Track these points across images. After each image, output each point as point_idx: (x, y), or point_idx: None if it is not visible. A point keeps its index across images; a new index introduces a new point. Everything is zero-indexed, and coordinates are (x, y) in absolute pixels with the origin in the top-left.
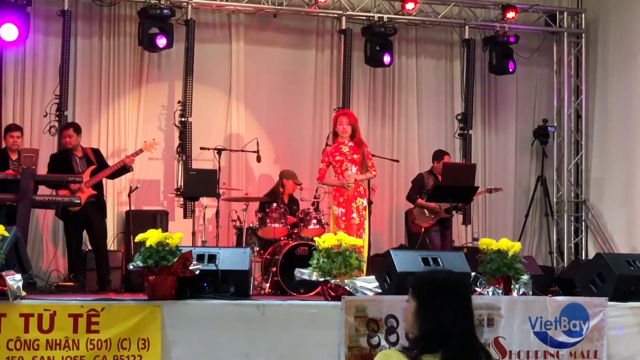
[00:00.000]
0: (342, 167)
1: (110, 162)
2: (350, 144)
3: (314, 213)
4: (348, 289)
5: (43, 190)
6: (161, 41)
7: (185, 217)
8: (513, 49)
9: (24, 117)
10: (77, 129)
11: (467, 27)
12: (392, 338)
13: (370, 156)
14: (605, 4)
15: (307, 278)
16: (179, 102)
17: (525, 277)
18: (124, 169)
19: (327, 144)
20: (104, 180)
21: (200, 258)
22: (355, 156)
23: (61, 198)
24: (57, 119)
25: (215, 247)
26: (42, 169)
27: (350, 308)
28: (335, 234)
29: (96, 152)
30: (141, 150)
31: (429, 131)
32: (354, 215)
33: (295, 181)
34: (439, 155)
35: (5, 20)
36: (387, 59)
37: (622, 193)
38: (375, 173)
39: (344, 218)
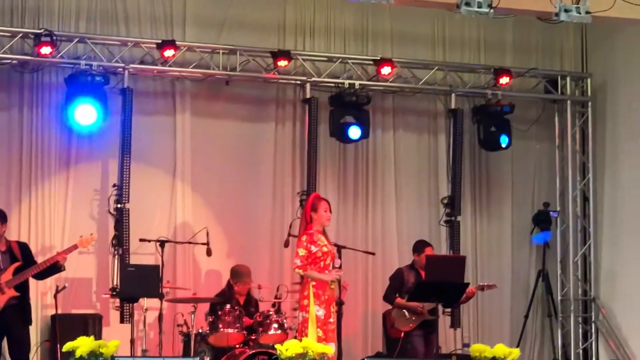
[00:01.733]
0: (327, 261)
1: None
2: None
3: (274, 316)
4: None
5: None
6: (87, 114)
7: (122, 321)
8: (508, 120)
9: None
10: (2, 218)
11: (453, 94)
12: None
13: None
14: (614, 68)
15: None
16: (114, 185)
17: None
18: (54, 267)
19: (289, 234)
20: (30, 280)
21: None
22: (334, 251)
23: None
24: None
25: (158, 357)
26: None
27: None
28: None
29: (23, 246)
30: (75, 247)
31: (410, 218)
32: (332, 319)
33: (245, 282)
34: (420, 246)
35: None
36: (355, 133)
37: (638, 289)
38: None
39: (324, 321)
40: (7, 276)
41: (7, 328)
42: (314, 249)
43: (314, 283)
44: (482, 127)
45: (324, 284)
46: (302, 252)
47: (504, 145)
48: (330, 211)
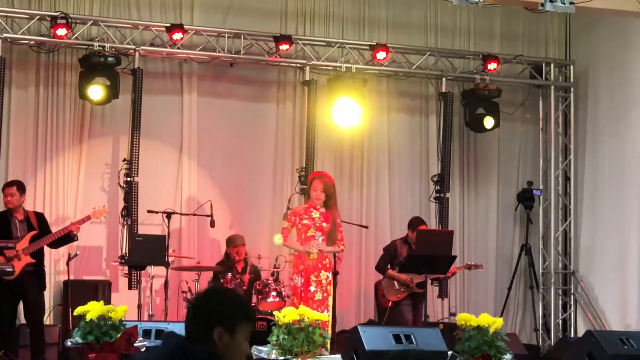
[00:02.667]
0: (308, 233)
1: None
2: (322, 210)
3: (273, 284)
4: None
5: None
6: (99, 93)
7: (130, 288)
8: (494, 103)
9: None
10: (21, 188)
11: (444, 79)
12: None
13: (340, 229)
14: (595, 55)
15: (266, 357)
16: (124, 159)
17: (507, 357)
18: (68, 237)
19: (288, 208)
20: (44, 248)
21: (146, 334)
22: (324, 224)
23: None
24: None
25: (163, 321)
26: None
27: None
28: (297, 306)
29: (39, 216)
30: (89, 218)
31: (402, 194)
32: (313, 288)
33: (238, 244)
34: (414, 223)
35: None
36: (352, 114)
37: (615, 264)
38: (343, 248)
39: (302, 289)
40: (23, 244)
41: (23, 292)
42: (297, 221)
43: (295, 253)
44: (469, 109)
45: (302, 254)
46: (285, 224)
47: (488, 127)
48: (324, 191)
